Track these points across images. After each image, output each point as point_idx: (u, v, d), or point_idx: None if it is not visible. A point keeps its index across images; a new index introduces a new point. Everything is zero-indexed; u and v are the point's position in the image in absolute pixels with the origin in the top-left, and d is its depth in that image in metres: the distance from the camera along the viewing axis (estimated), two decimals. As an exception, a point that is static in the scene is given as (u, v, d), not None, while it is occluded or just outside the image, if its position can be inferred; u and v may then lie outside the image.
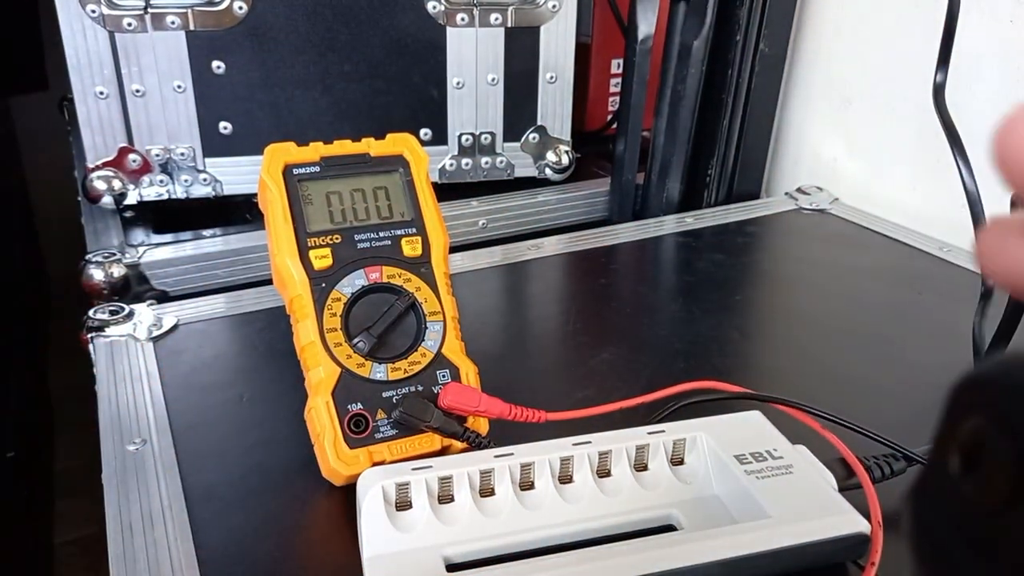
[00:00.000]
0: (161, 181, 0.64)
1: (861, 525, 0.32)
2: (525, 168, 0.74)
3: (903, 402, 0.45)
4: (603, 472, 0.35)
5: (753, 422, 0.37)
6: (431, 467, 0.33)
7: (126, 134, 0.63)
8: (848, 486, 0.35)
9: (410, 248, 0.39)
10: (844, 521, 0.32)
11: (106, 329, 0.51)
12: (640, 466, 0.35)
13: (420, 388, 0.37)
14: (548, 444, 0.35)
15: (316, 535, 0.36)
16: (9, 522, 1.02)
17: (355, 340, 0.37)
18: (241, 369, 0.48)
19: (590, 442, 0.35)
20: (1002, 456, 0.09)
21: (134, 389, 0.45)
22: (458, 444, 0.37)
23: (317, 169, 0.39)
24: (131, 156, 0.63)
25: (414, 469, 0.33)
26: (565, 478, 0.34)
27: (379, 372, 0.37)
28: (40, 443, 1.21)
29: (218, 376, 0.47)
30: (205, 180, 0.65)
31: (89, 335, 0.51)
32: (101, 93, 0.61)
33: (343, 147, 0.40)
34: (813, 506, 0.32)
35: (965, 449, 0.10)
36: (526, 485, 0.34)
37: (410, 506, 0.33)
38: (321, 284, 0.37)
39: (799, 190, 0.74)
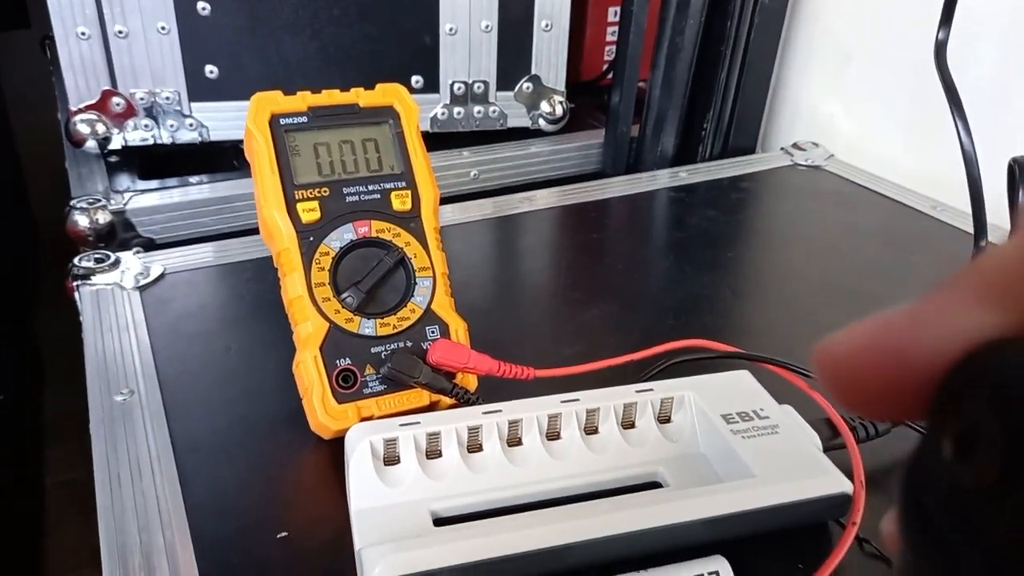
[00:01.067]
0: (146, 126, 0.63)
1: (844, 485, 0.32)
2: (518, 118, 0.73)
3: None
4: (591, 429, 0.35)
5: (741, 381, 0.37)
6: (419, 423, 0.33)
7: (109, 77, 0.61)
8: (833, 446, 0.35)
9: (400, 202, 0.39)
10: (827, 481, 0.32)
11: (92, 277, 0.50)
12: (627, 424, 0.35)
13: (409, 344, 0.37)
14: (536, 401, 0.35)
15: (304, 487, 0.36)
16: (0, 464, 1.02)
17: (344, 295, 0.37)
18: (228, 319, 0.48)
19: (578, 399, 0.35)
20: (993, 440, 0.09)
21: (120, 338, 0.45)
22: (447, 400, 0.37)
23: (305, 120, 0.38)
24: (115, 99, 0.62)
25: (402, 425, 0.33)
26: (553, 435, 0.35)
27: (368, 327, 0.37)
28: (29, 388, 1.22)
29: (205, 326, 0.47)
30: (191, 125, 0.64)
31: (75, 283, 0.50)
32: (83, 34, 0.59)
33: (331, 97, 0.39)
34: (797, 466, 0.33)
35: (958, 433, 0.10)
36: (514, 441, 0.34)
37: (398, 461, 0.33)
38: (309, 238, 0.37)
39: (795, 146, 0.74)
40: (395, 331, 0.37)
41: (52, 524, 1.06)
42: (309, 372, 0.36)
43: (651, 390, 0.36)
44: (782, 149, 0.73)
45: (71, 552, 0.99)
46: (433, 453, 0.33)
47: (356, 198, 0.38)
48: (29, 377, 1.25)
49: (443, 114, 0.70)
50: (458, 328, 0.38)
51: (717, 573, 0.30)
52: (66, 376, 0.59)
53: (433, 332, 0.38)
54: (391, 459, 0.33)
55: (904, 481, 0.11)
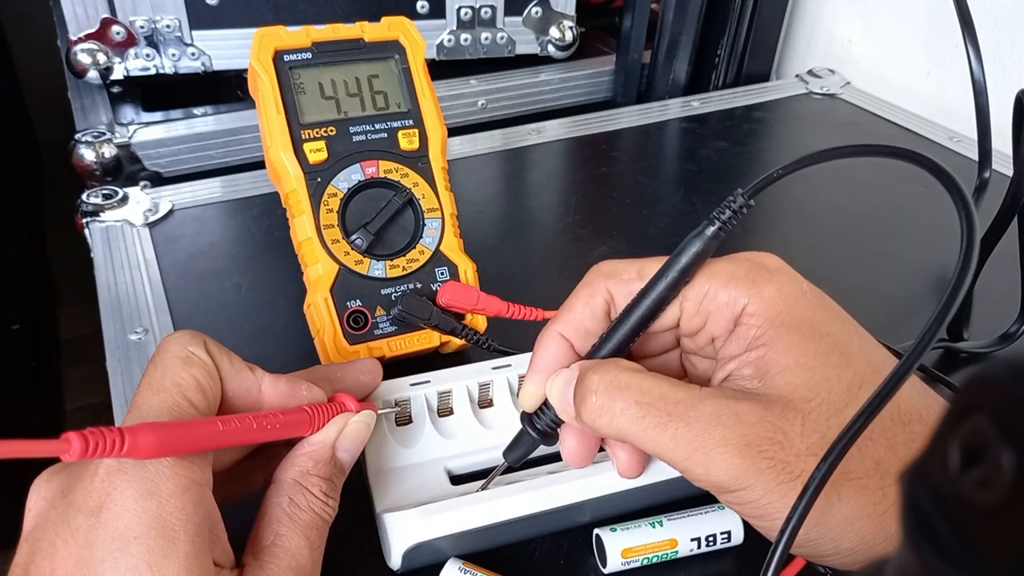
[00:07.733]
0: (147, 55, 0.62)
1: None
2: (527, 45, 0.71)
3: (895, 299, 0.45)
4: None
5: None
6: (429, 381, 0.33)
7: (108, 4, 0.59)
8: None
9: (407, 141, 0.38)
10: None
11: (101, 214, 0.50)
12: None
13: (419, 286, 0.37)
14: None
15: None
16: (21, 393, 1.05)
17: (353, 237, 0.37)
18: (239, 256, 0.48)
19: None
20: (1003, 461, 0.09)
21: (133, 277, 0.45)
22: (456, 340, 0.37)
23: (309, 56, 0.38)
24: (115, 28, 0.60)
25: (413, 384, 0.33)
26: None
27: (377, 269, 0.37)
28: (44, 314, 1.23)
29: (216, 264, 0.47)
30: (193, 54, 0.62)
31: (84, 220, 0.50)
32: (78, -41, 0.57)
33: (336, 31, 0.38)
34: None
35: (966, 446, 0.10)
36: None
37: (410, 421, 0.33)
38: (316, 179, 0.37)
39: (811, 72, 0.72)
40: (404, 273, 0.37)
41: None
42: (320, 314, 0.36)
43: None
44: (797, 76, 0.71)
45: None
46: (444, 411, 0.34)
47: (363, 137, 0.38)
48: (43, 303, 1.27)
49: (450, 41, 0.68)
50: (467, 269, 0.38)
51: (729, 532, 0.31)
52: (79, 296, 0.59)
53: (442, 273, 0.38)
54: (403, 419, 0.33)
55: (907, 478, 0.11)
